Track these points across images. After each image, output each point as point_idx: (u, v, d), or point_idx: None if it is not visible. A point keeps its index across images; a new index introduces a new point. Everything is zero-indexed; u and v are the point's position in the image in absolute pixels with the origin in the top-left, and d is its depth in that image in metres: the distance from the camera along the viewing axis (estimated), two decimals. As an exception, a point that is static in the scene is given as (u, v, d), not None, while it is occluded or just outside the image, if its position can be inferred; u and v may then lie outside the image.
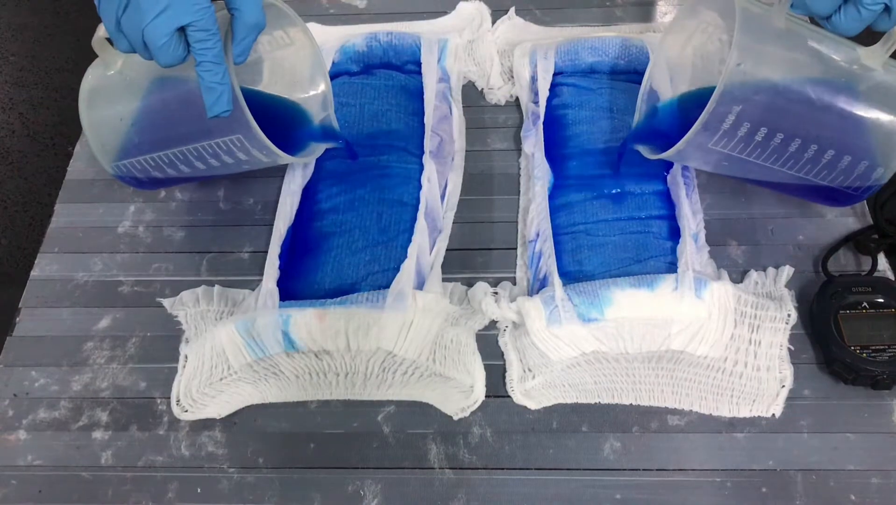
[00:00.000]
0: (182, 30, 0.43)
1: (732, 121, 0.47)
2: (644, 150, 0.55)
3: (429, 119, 0.62)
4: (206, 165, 0.54)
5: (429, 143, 0.60)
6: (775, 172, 0.50)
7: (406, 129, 0.63)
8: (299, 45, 0.58)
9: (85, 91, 0.55)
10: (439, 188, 0.60)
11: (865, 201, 0.58)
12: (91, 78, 0.55)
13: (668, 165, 0.59)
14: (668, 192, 0.59)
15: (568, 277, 0.54)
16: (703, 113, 0.46)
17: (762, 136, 0.48)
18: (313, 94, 0.60)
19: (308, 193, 0.61)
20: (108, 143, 0.55)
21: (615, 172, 0.59)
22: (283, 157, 0.52)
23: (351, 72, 0.67)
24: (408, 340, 0.51)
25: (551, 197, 0.59)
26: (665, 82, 0.59)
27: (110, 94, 0.54)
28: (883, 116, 0.48)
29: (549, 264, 0.54)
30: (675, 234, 0.56)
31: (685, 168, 0.59)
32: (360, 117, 0.64)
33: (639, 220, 0.57)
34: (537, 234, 0.57)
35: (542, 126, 0.61)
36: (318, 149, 0.59)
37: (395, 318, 0.51)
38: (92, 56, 0.54)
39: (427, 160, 0.59)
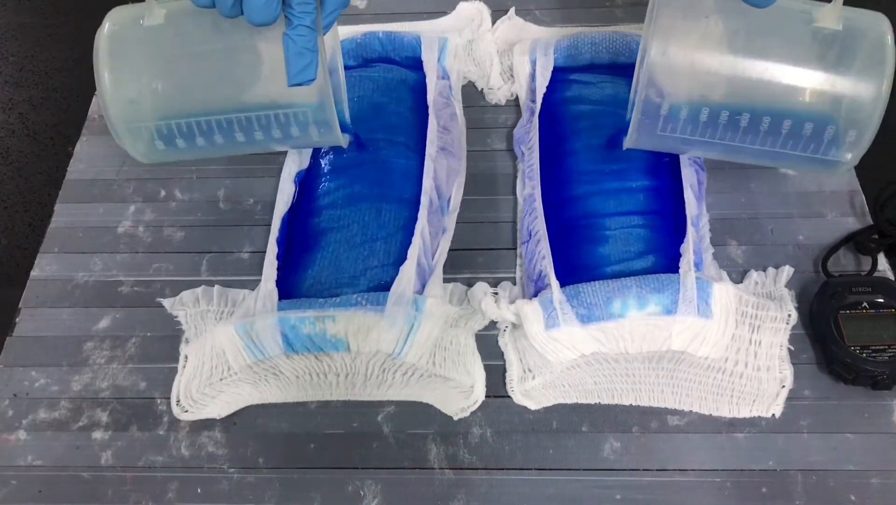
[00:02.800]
0: None
1: (669, 107, 0.46)
2: (626, 141, 0.55)
3: (432, 115, 0.61)
4: (246, 138, 0.52)
5: (434, 140, 0.60)
6: (742, 149, 0.50)
7: (406, 123, 0.63)
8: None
9: (106, 38, 0.50)
10: (447, 186, 0.60)
11: (865, 201, 0.58)
12: (118, 26, 0.51)
13: (673, 162, 0.59)
14: (672, 187, 0.58)
15: (568, 271, 0.54)
16: (637, 102, 0.46)
17: (706, 116, 0.47)
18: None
19: (306, 188, 0.61)
20: (134, 100, 0.51)
21: (617, 154, 0.59)
22: (337, 137, 0.53)
23: (348, 66, 0.67)
24: (408, 345, 0.51)
25: (552, 193, 0.58)
26: None
27: (149, 46, 0.51)
28: (842, 76, 0.47)
29: (545, 266, 0.53)
30: (677, 230, 0.56)
31: (697, 167, 0.58)
32: (358, 110, 0.63)
33: (641, 214, 0.57)
34: (531, 234, 0.56)
35: (537, 122, 0.61)
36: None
37: (396, 322, 0.51)
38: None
39: (435, 157, 0.59)
